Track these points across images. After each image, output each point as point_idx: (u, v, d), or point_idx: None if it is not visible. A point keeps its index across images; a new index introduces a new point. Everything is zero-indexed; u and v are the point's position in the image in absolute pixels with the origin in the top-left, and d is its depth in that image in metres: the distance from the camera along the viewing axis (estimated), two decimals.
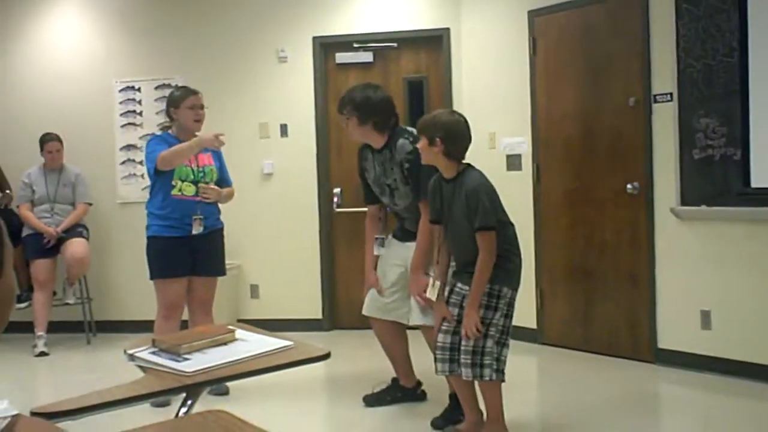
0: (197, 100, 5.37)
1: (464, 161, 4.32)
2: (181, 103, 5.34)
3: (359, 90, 4.88)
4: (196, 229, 5.28)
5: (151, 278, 5.37)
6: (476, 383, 4.30)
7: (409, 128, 4.82)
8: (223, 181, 5.57)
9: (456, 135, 4.25)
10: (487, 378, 4.18)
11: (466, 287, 4.20)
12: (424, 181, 4.51)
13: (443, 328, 4.30)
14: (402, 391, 5.17)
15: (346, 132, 5.03)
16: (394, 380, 5.20)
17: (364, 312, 5.10)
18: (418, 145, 4.35)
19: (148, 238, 5.37)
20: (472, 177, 4.24)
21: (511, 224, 4.35)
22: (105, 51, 7.75)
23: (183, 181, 5.28)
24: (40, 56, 7.82)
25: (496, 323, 4.18)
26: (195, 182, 5.31)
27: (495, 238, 4.14)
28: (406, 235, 4.90)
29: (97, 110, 7.72)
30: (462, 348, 4.18)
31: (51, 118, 7.59)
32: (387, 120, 4.81)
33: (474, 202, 4.14)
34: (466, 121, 4.36)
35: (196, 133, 5.35)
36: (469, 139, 4.31)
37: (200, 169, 5.35)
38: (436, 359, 4.34)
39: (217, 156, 5.51)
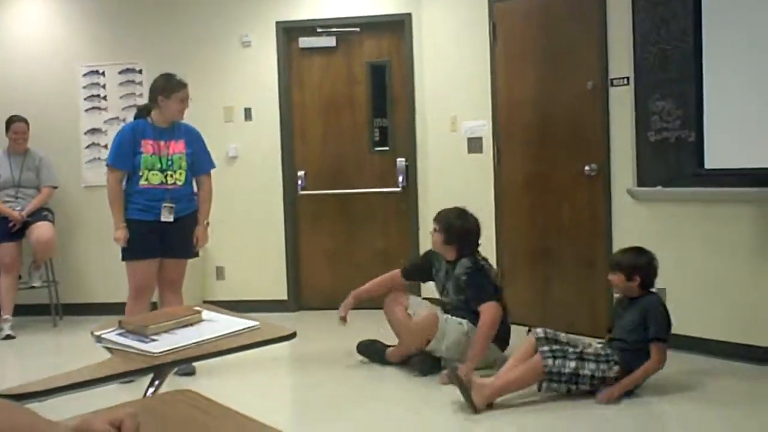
0: (186, 94, 5.42)
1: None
2: (173, 95, 5.36)
3: (455, 216, 5.49)
4: (165, 217, 5.37)
5: (122, 259, 5.49)
6: None
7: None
8: (198, 166, 5.59)
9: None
10: None
11: None
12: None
13: None
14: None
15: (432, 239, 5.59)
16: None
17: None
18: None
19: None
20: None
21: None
22: (69, 35, 7.72)
23: (150, 170, 5.35)
24: (4, 40, 7.78)
25: None
26: (162, 171, 5.38)
27: None
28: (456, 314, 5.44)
29: (61, 94, 7.70)
30: None
31: (15, 102, 7.53)
32: (468, 245, 5.48)
33: None
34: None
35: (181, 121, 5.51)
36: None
37: (168, 158, 5.40)
38: None
39: (191, 142, 5.52)
